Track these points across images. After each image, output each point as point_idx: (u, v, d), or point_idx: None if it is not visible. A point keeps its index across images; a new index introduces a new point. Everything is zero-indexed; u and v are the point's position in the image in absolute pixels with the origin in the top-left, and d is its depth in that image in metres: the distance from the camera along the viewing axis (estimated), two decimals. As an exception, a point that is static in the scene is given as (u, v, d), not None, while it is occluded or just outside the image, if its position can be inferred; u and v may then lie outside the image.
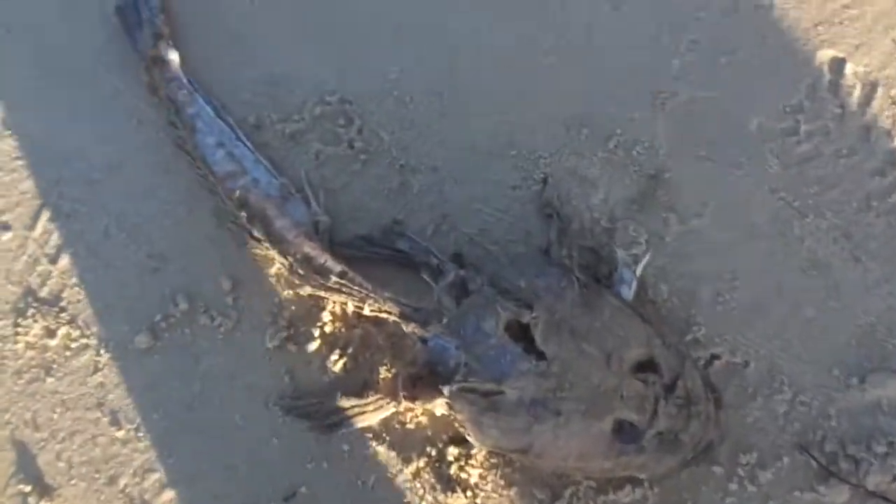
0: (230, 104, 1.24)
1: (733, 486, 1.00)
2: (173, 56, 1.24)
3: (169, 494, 1.11)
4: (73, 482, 1.12)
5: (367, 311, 1.05)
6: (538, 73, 1.18)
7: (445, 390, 0.98)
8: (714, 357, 1.04)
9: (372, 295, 1.05)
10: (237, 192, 1.14)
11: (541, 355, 0.95)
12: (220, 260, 1.18)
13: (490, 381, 0.95)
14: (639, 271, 1.05)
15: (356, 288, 1.06)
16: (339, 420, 1.08)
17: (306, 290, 1.09)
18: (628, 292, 1.04)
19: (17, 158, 1.26)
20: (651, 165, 1.12)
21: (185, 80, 1.23)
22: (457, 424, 1.00)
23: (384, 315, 1.05)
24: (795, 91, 1.12)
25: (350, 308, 1.09)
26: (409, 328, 1.03)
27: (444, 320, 1.00)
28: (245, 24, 1.26)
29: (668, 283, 1.08)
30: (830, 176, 1.09)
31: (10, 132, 1.27)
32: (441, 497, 1.05)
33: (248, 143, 1.20)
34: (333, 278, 1.06)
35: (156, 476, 1.11)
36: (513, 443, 0.95)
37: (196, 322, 1.15)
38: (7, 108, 1.28)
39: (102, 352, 1.16)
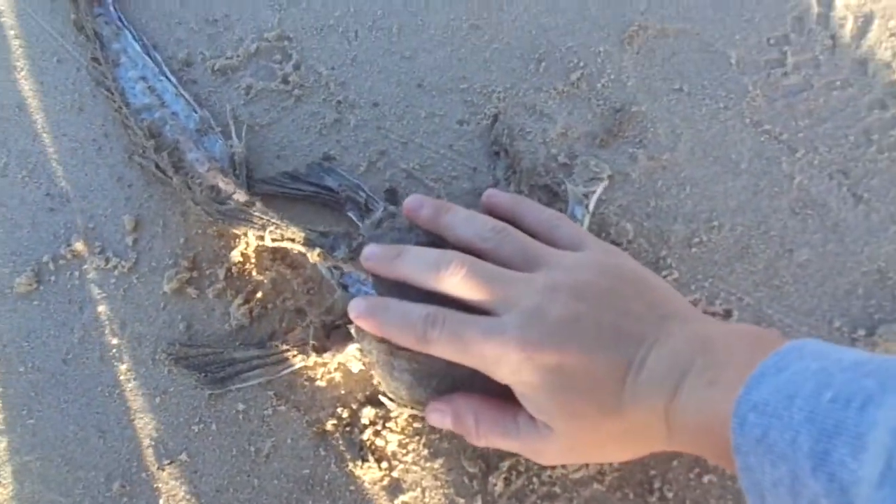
0: (162, 43, 1.13)
1: (712, 461, 0.79)
2: (105, -8, 1.15)
3: (18, 462, 0.90)
4: (-88, 450, 0.92)
5: (267, 241, 0.89)
6: (494, 7, 1.06)
7: (352, 328, 0.80)
8: (689, 305, 0.86)
9: (273, 221, 0.89)
10: (147, 123, 1.03)
11: None
12: (124, 199, 1.03)
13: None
14: (591, 206, 0.89)
15: (257, 216, 0.90)
16: (233, 373, 0.90)
17: (206, 220, 0.93)
18: (581, 231, 0.87)
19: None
20: (617, 99, 0.98)
21: (114, 15, 1.13)
22: (370, 371, 0.82)
23: (287, 244, 0.88)
24: (780, 24, 0.99)
25: (252, 241, 0.93)
26: (314, 257, 0.86)
27: (354, 244, 0.83)
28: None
29: (634, 222, 0.91)
30: (822, 109, 0.94)
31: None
32: (350, 468, 0.84)
33: (172, 79, 1.08)
34: (232, 203, 0.91)
35: (4, 442, 0.91)
36: (431, 392, 0.76)
37: (88, 263, 0.99)
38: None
39: (-25, 297, 0.99)
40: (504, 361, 0.64)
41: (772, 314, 0.85)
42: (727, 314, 0.85)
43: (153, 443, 0.89)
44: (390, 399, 0.81)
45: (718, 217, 0.90)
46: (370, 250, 0.76)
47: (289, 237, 0.87)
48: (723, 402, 0.53)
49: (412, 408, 0.80)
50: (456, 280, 0.68)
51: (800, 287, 0.86)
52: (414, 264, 0.72)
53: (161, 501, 0.86)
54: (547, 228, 0.76)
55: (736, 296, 0.86)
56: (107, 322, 0.96)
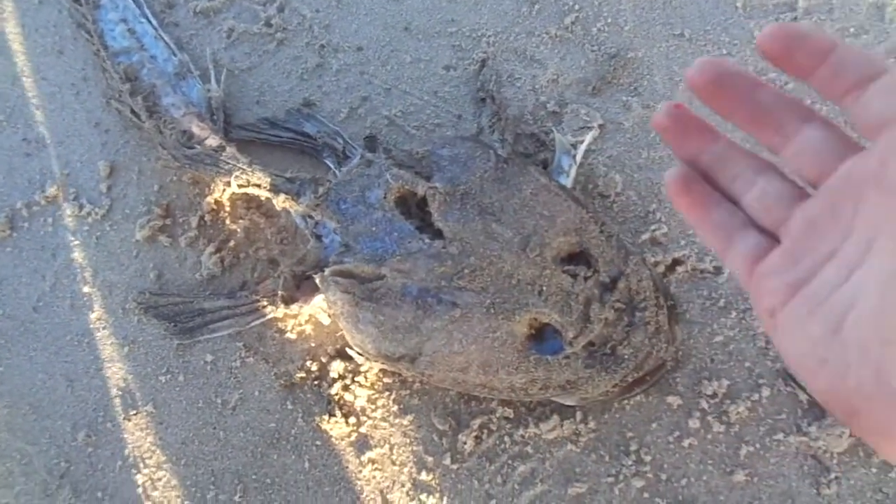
0: (144, -15, 1.08)
1: (694, 424, 0.74)
2: (86, -68, 1.11)
3: (-11, 409, 0.89)
4: None
5: (233, 186, 0.85)
6: (488, -53, 1.00)
7: (318, 278, 0.76)
8: (676, 262, 0.81)
9: (239, 167, 0.85)
10: (124, 66, 0.99)
11: (438, 235, 0.73)
12: (101, 145, 1.00)
13: (368, 262, 0.73)
14: (579, 156, 0.84)
15: (224, 161, 0.87)
16: (202, 323, 0.87)
17: (174, 165, 0.90)
18: (566, 181, 0.83)
19: None
20: (613, 44, 0.92)
21: (94, -45, 1.09)
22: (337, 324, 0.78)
23: (253, 189, 0.85)
24: (792, -35, 0.92)
25: (220, 189, 0.89)
26: (280, 202, 0.83)
27: (321, 191, 0.79)
28: None
29: (624, 173, 0.86)
30: (833, 57, 0.87)
31: None
32: (317, 422, 0.81)
33: (153, 21, 1.04)
34: (200, 149, 0.88)
35: (-21, 388, 0.90)
36: (397, 346, 0.72)
37: (61, 209, 0.96)
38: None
39: (-51, 243, 0.97)
40: None
41: (766, 273, 0.79)
42: (717, 271, 0.79)
43: (120, 392, 0.87)
44: (358, 353, 0.77)
45: (714, 170, 0.84)
46: None
47: (255, 182, 0.83)
48: None
49: (380, 361, 0.76)
50: None
51: (798, 245, 0.80)
52: None
53: (126, 452, 0.84)
54: None
55: (728, 253, 0.81)
56: (79, 269, 0.93)
